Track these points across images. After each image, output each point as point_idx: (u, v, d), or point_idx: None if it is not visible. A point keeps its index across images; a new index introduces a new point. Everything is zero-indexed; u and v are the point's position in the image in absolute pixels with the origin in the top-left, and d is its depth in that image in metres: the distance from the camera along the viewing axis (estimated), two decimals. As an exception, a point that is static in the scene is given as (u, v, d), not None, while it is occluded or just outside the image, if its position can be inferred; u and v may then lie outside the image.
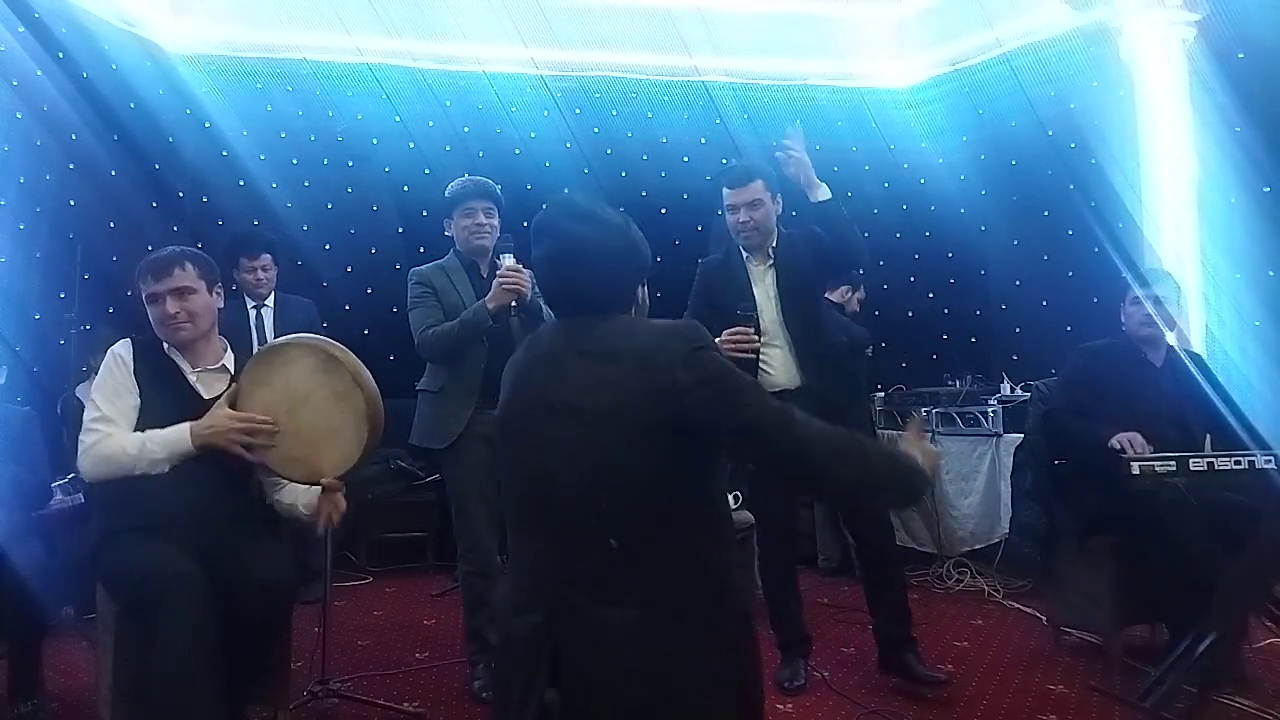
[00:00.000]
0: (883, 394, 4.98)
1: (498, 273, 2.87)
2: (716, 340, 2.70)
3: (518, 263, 2.85)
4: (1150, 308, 3.13)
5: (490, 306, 2.86)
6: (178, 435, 2.21)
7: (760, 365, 2.95)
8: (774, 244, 3.04)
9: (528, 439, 1.51)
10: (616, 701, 1.41)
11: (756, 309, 2.90)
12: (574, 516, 1.45)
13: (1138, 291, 3.17)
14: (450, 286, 3.04)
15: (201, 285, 2.34)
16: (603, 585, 1.43)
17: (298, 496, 2.40)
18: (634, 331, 1.48)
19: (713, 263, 3.13)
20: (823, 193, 2.90)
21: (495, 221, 3.07)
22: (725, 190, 3.02)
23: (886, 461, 1.50)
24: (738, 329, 2.81)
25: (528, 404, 1.52)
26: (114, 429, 2.23)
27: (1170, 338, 3.25)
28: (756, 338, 2.83)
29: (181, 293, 2.30)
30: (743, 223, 3.00)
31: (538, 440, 1.49)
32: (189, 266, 2.33)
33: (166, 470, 2.21)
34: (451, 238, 3.14)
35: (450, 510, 3.10)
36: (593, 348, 1.47)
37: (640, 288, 1.64)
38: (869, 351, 4.72)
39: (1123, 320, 3.24)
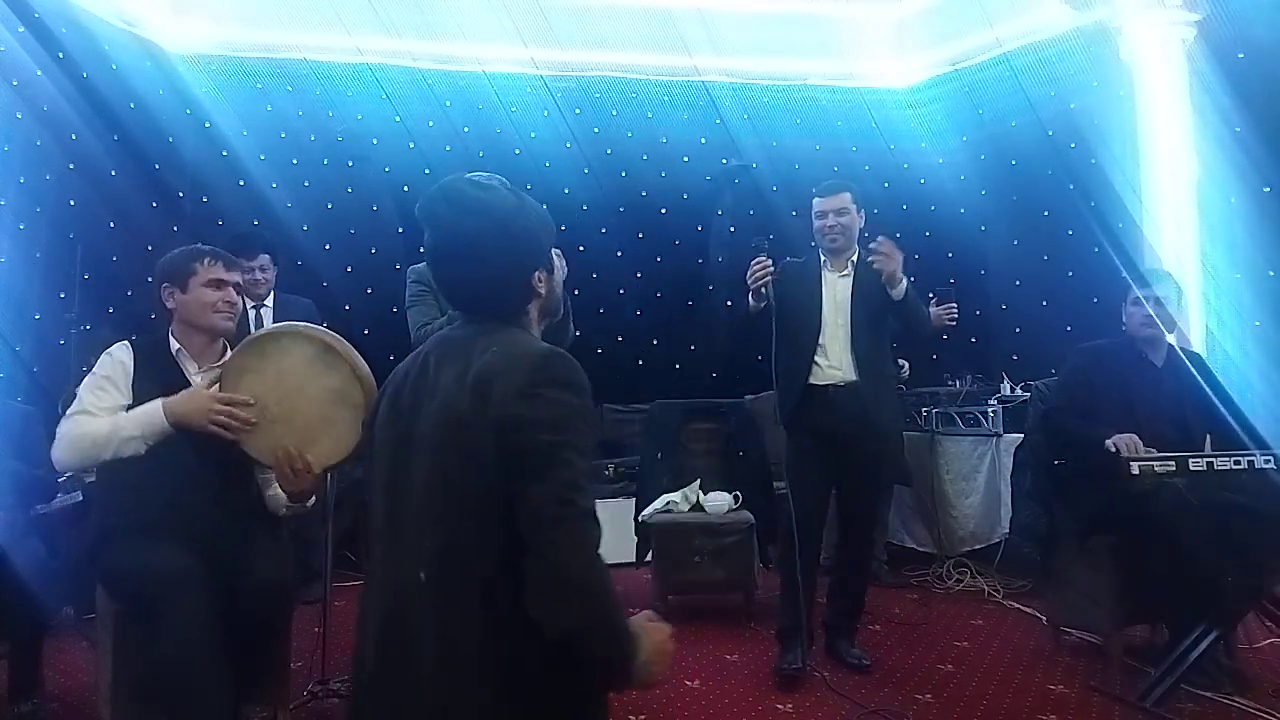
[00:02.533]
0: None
1: None
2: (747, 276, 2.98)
3: None
4: (1151, 308, 3.13)
5: None
6: (150, 411, 2.18)
7: (815, 361, 3.18)
8: (855, 257, 3.26)
9: (385, 457, 1.40)
10: None
11: (768, 242, 3.10)
12: (402, 543, 1.34)
13: (1138, 292, 3.17)
14: None
15: None
16: (408, 626, 1.32)
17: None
18: (489, 348, 1.34)
19: (791, 264, 3.32)
20: (900, 291, 3.13)
21: None
22: (816, 200, 3.28)
23: (620, 636, 1.29)
24: (754, 261, 3.04)
25: (393, 418, 1.41)
26: (87, 418, 2.20)
27: (1170, 338, 3.25)
28: (770, 264, 3.04)
29: (238, 288, 2.43)
30: (829, 227, 3.23)
31: (391, 459, 1.38)
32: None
33: (143, 450, 2.17)
34: None
35: None
36: (455, 365, 1.35)
37: (536, 278, 1.46)
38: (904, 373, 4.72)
39: (1124, 320, 3.24)
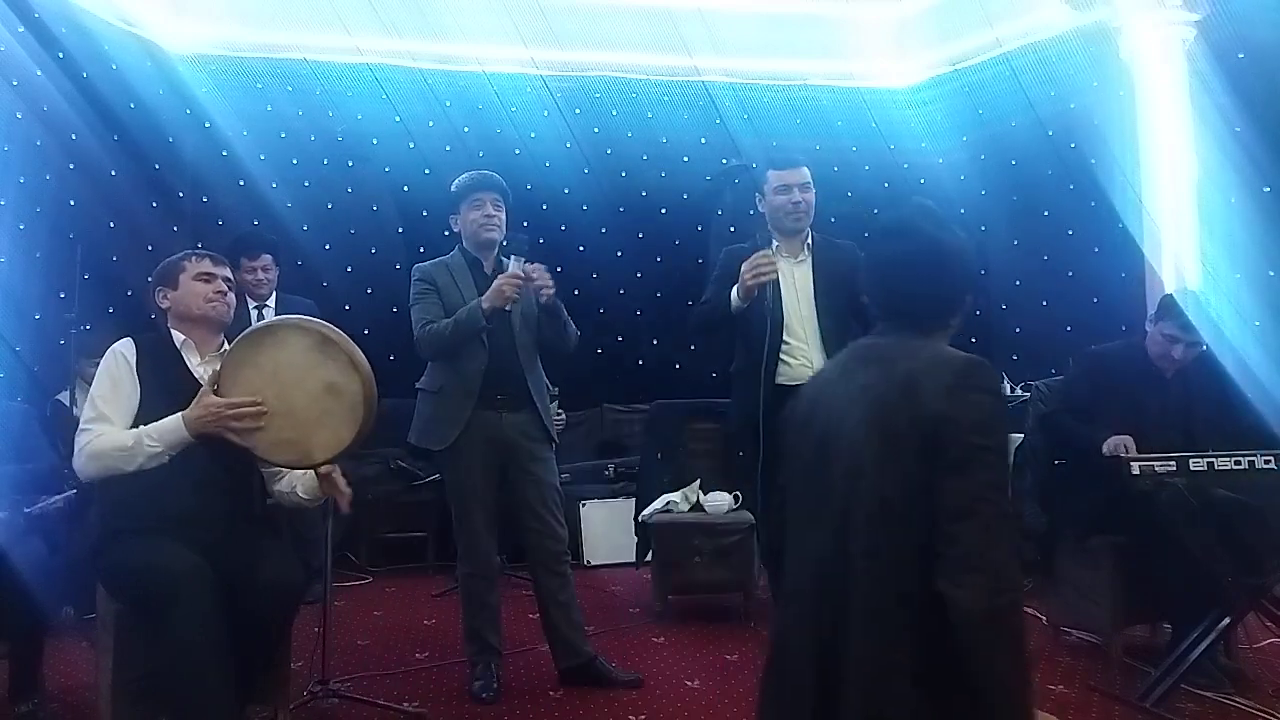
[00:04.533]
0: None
1: (500, 276, 2.86)
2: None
3: (524, 265, 2.86)
4: (1184, 349, 3.08)
5: (484, 307, 2.83)
6: (173, 426, 2.20)
7: (782, 359, 2.91)
8: (809, 240, 3.00)
9: (807, 452, 1.53)
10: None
11: (773, 248, 2.88)
12: (830, 530, 1.43)
13: (1178, 334, 3.05)
14: (452, 284, 3.00)
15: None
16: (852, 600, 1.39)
17: (295, 483, 2.41)
18: (916, 354, 1.46)
19: (738, 249, 3.00)
20: None
21: (503, 215, 3.04)
22: (774, 172, 2.97)
23: (1017, 652, 1.34)
24: (757, 255, 2.78)
25: (813, 417, 1.54)
26: (108, 427, 2.22)
27: None
28: (773, 258, 2.80)
29: (229, 282, 2.49)
30: (794, 203, 2.94)
31: (815, 454, 1.51)
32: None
33: (166, 461, 2.19)
34: (457, 235, 3.12)
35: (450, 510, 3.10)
36: (879, 366, 1.48)
37: (968, 297, 1.59)
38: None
39: (1147, 340, 3.16)
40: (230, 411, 2.18)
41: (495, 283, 2.84)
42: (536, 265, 2.90)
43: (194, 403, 2.21)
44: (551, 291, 2.92)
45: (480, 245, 3.05)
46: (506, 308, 2.87)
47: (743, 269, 2.79)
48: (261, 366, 2.22)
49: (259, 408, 2.19)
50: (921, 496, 1.36)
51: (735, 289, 2.83)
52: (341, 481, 2.34)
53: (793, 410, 1.61)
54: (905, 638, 1.35)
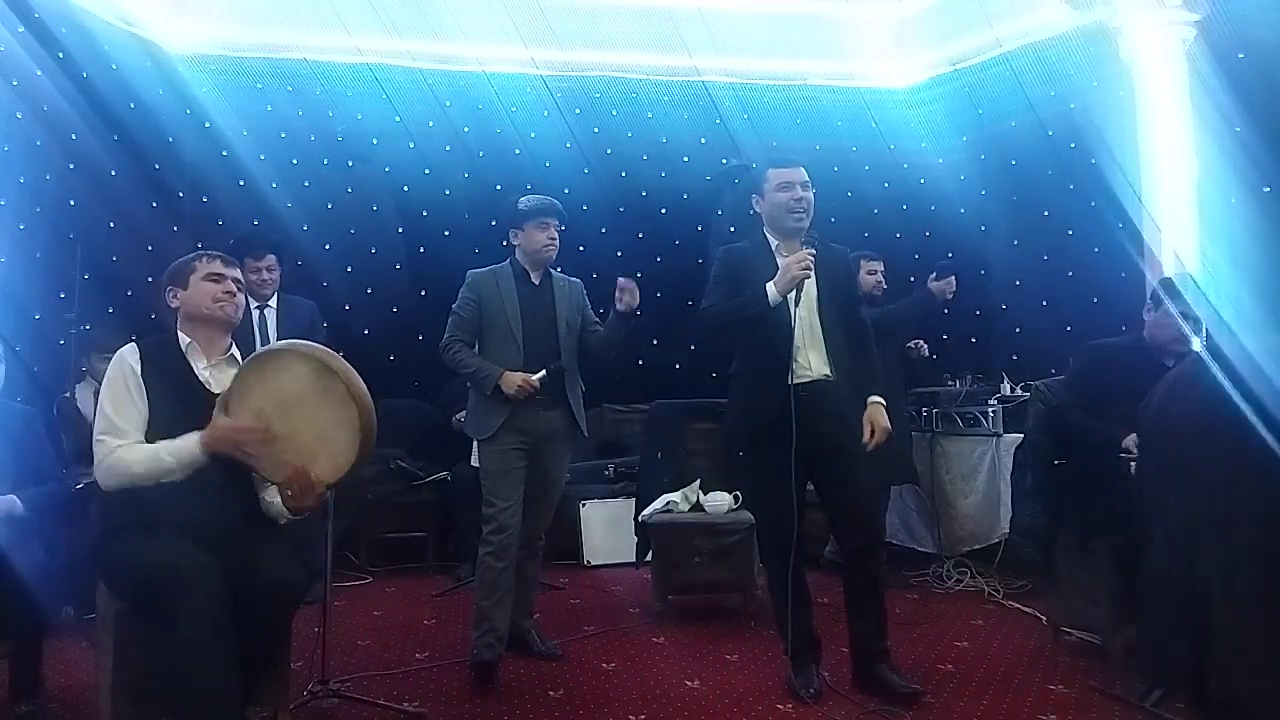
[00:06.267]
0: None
1: (517, 380, 3.13)
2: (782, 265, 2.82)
3: (542, 379, 3.15)
4: (1181, 323, 3.05)
5: (496, 384, 3.16)
6: (188, 446, 2.23)
7: (793, 359, 2.87)
8: (804, 240, 2.95)
9: (1169, 429, 2.03)
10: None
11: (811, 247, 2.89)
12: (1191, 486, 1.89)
13: (1170, 306, 3.03)
14: (496, 293, 3.26)
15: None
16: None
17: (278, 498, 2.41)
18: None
19: (736, 249, 3.03)
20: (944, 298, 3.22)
21: (558, 240, 3.35)
22: (775, 171, 2.95)
23: None
24: (803, 251, 2.82)
25: (1168, 406, 2.10)
26: (124, 440, 2.25)
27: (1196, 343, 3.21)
28: (813, 257, 2.82)
29: (238, 283, 2.53)
30: (797, 200, 2.91)
31: (1173, 430, 2.01)
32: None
33: (179, 479, 2.23)
34: (513, 247, 3.33)
35: (481, 495, 3.22)
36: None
37: None
38: (924, 351, 4.63)
39: (1146, 329, 3.16)
40: (240, 436, 2.23)
41: (511, 382, 3.13)
42: (628, 285, 3.15)
43: (209, 427, 2.25)
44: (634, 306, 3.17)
45: (537, 263, 3.32)
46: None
47: (788, 262, 2.80)
48: (267, 388, 2.26)
49: (265, 431, 2.23)
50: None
51: (773, 283, 2.82)
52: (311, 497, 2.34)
53: (1149, 404, 2.11)
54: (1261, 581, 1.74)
